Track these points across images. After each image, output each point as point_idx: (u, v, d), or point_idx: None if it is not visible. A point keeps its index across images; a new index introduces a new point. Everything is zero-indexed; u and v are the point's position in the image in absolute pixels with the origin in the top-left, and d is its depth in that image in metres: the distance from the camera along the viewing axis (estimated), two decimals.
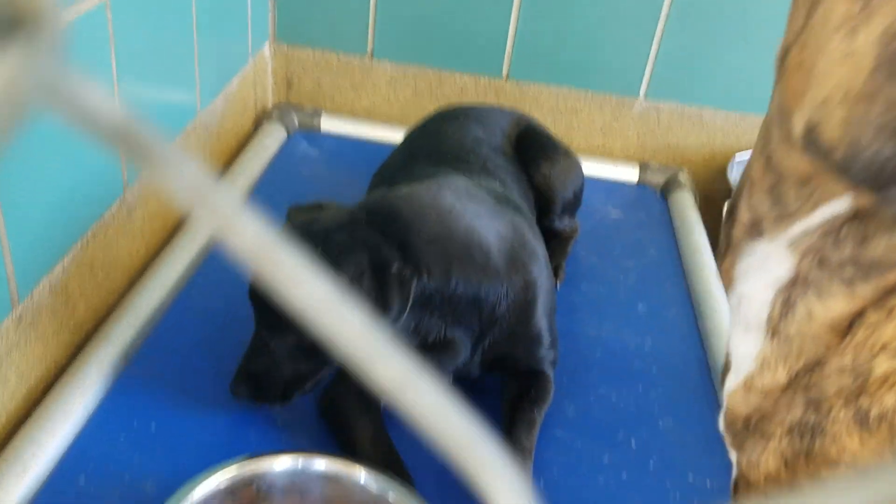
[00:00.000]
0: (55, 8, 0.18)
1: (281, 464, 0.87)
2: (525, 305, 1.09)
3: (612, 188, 1.74)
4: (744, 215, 0.57)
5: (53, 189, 1.01)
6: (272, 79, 1.90)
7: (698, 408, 1.18)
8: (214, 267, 1.33)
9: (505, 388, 1.13)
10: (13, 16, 0.18)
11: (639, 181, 1.78)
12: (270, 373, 1.01)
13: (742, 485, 0.63)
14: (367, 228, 0.99)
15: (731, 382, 0.61)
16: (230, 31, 1.60)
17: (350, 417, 1.04)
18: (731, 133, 1.84)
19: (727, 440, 0.65)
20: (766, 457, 0.59)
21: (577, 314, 1.35)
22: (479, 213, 1.08)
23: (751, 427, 0.60)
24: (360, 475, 0.88)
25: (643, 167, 1.79)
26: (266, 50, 1.85)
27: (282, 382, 1.01)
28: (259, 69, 1.81)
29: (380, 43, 1.83)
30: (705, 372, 1.24)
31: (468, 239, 1.03)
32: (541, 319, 1.11)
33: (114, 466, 0.95)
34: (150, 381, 1.08)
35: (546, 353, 1.12)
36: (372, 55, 1.85)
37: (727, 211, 0.63)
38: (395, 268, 0.94)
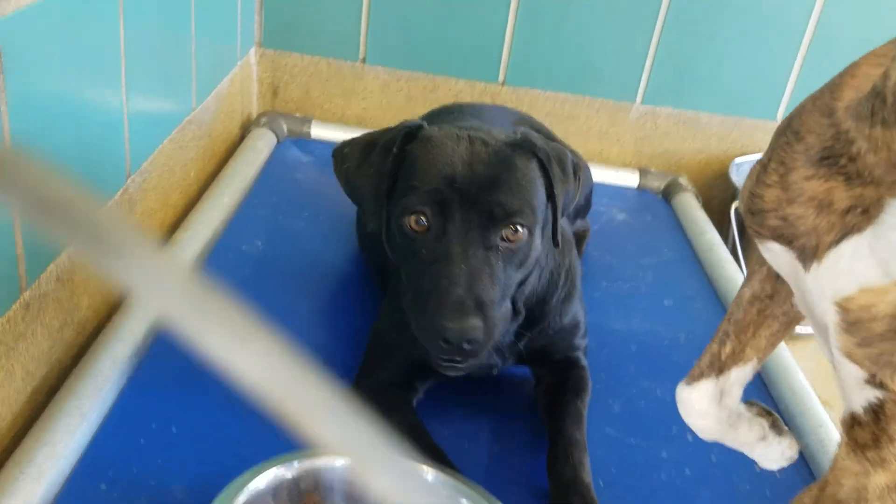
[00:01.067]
0: None
1: (341, 459, 0.77)
2: (569, 290, 1.03)
3: (613, 192, 1.71)
4: None
5: (62, 165, 0.91)
6: (257, 86, 1.82)
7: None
8: (221, 263, 1.23)
9: (540, 381, 1.06)
10: None
11: (639, 186, 1.75)
12: (500, 302, 0.84)
13: (892, 412, 0.54)
14: None
15: (872, 276, 0.52)
16: (221, 33, 1.53)
17: (380, 415, 0.95)
18: (727, 138, 1.83)
19: (841, 345, 0.55)
20: None
21: (603, 310, 1.29)
22: None
23: None
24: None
25: (643, 172, 1.76)
26: (251, 56, 1.77)
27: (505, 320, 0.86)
28: (245, 75, 1.72)
29: (372, 48, 1.77)
30: None
31: None
32: (577, 305, 1.05)
33: (137, 470, 0.84)
34: (166, 380, 0.97)
35: (580, 341, 1.07)
36: (364, 61, 1.79)
37: None
38: None
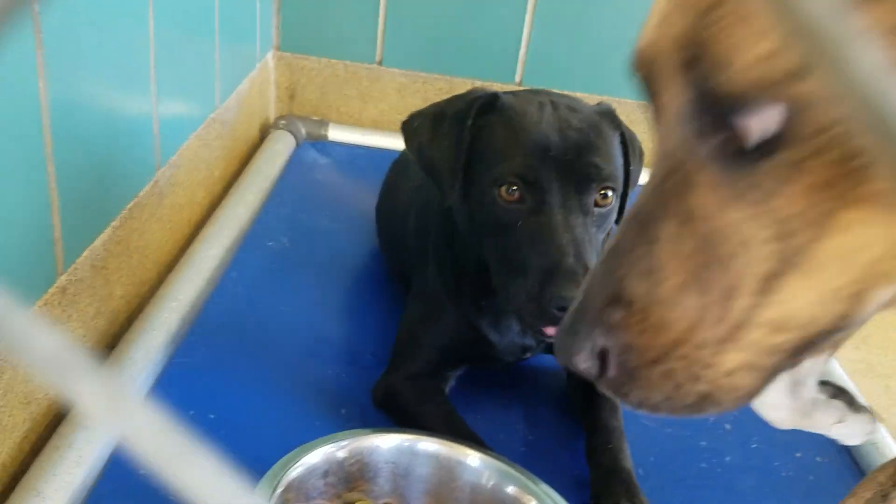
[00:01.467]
0: None
1: (387, 441, 0.76)
2: None
3: (635, 193, 1.70)
4: None
5: (99, 155, 0.91)
6: (275, 90, 1.82)
7: None
8: (249, 258, 1.22)
9: (570, 372, 1.05)
10: None
11: None
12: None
13: None
14: None
15: None
16: (241, 36, 1.53)
17: (413, 404, 0.94)
18: None
19: None
20: None
21: None
22: None
23: None
24: (470, 456, 0.78)
25: None
26: (269, 59, 1.77)
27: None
28: (263, 79, 1.73)
29: (389, 51, 1.78)
30: None
31: None
32: None
33: None
34: (201, 369, 0.96)
35: None
36: (381, 63, 1.79)
37: None
38: None
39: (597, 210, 0.84)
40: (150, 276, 1.11)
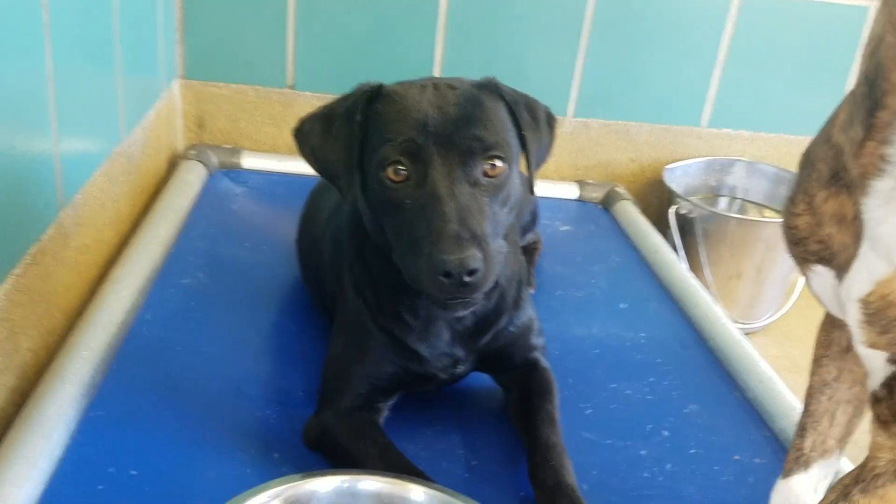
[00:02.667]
0: None
1: (325, 485, 0.73)
2: (520, 290, 1.01)
3: (555, 205, 1.72)
4: None
5: None
6: (182, 119, 1.76)
7: (718, 390, 1.13)
8: (163, 297, 1.16)
9: (508, 390, 1.04)
10: None
11: (579, 198, 1.77)
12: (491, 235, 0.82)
13: None
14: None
15: (882, 269, 0.56)
16: (144, 66, 1.47)
17: (347, 442, 0.90)
18: (658, 145, 1.87)
19: (864, 337, 0.58)
20: None
21: (563, 318, 1.28)
22: None
23: None
24: (413, 491, 0.76)
25: (581, 184, 1.78)
26: (175, 88, 1.71)
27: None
28: (169, 108, 1.66)
29: (301, 74, 1.74)
30: (710, 356, 1.20)
31: None
32: (529, 305, 1.04)
33: None
34: (119, 421, 0.90)
35: (537, 340, 1.04)
36: (293, 87, 1.75)
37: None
38: None
39: (487, 180, 0.84)
40: (59, 325, 1.04)
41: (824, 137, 0.63)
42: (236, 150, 1.70)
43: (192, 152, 1.65)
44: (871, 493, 0.61)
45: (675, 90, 1.83)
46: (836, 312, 0.68)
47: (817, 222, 0.62)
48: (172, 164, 1.64)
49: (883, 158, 0.52)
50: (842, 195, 0.59)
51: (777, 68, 1.82)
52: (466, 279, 0.77)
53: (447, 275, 0.77)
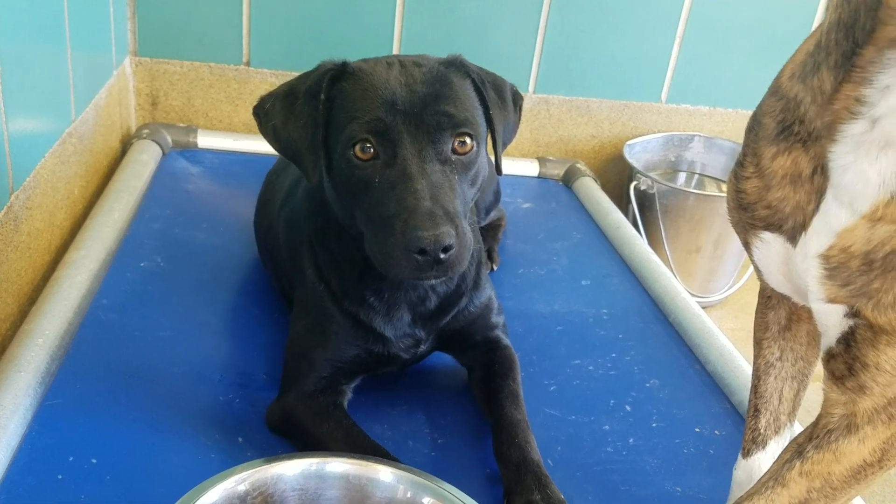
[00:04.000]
0: None
1: (291, 468, 0.72)
2: (479, 270, 1.01)
3: (515, 182, 1.71)
4: None
5: None
6: (134, 98, 1.72)
7: (679, 364, 1.14)
8: (120, 282, 1.14)
9: (471, 370, 1.04)
10: None
11: (539, 174, 1.77)
12: (458, 210, 0.81)
13: (863, 336, 0.57)
14: None
15: (844, 219, 0.56)
16: (95, 43, 1.42)
17: (311, 425, 0.90)
18: (618, 121, 1.87)
19: (824, 293, 0.59)
20: None
21: (525, 295, 1.28)
22: None
23: (877, 264, 0.55)
24: (381, 472, 0.75)
25: (542, 161, 1.78)
26: (127, 66, 1.66)
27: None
28: (121, 86, 1.62)
29: (256, 51, 1.71)
30: (670, 331, 1.22)
31: None
32: (487, 284, 1.04)
33: None
34: (77, 409, 0.88)
35: (497, 318, 1.05)
36: (248, 64, 1.72)
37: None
38: None
39: (456, 157, 0.84)
40: (12, 312, 1.01)
41: (771, 91, 0.63)
42: (191, 129, 1.67)
43: (146, 132, 1.61)
44: (824, 448, 0.62)
45: (635, 66, 1.83)
46: (777, 283, 0.68)
47: (766, 185, 0.62)
48: (126, 145, 1.60)
49: (858, 101, 0.53)
50: (795, 151, 0.59)
51: (735, 44, 1.84)
52: (441, 256, 0.77)
53: (422, 252, 0.76)
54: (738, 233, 0.69)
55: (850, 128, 0.54)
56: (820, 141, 0.57)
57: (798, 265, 0.61)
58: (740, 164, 0.66)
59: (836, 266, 0.57)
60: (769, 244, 0.64)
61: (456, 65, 0.88)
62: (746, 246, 0.68)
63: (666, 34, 1.81)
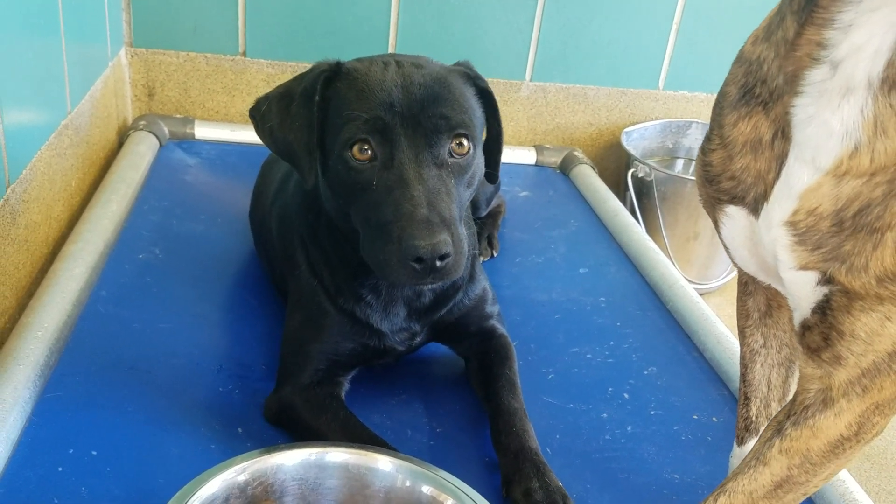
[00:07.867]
0: None
1: (291, 458, 0.73)
2: (473, 262, 1.01)
3: (513, 171, 1.71)
4: None
5: None
6: (130, 89, 1.71)
7: (676, 351, 1.15)
8: (119, 274, 1.14)
9: (467, 360, 1.04)
10: None
11: (536, 163, 1.77)
12: (455, 217, 0.81)
13: (838, 304, 0.57)
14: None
15: (806, 178, 0.56)
16: (90, 34, 1.42)
17: (309, 417, 0.90)
18: (615, 109, 1.87)
19: (796, 260, 0.58)
20: (882, 253, 0.54)
21: (523, 284, 1.29)
22: None
23: (847, 223, 0.55)
24: (380, 461, 0.76)
25: (539, 149, 1.78)
26: (122, 57, 1.66)
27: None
28: (117, 78, 1.62)
29: (252, 41, 1.70)
30: (668, 318, 1.22)
31: None
32: (481, 274, 1.04)
33: (59, 501, 0.75)
34: (76, 402, 0.89)
35: (492, 307, 1.05)
36: (245, 54, 1.71)
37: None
38: None
39: (453, 160, 0.84)
40: (10, 306, 1.01)
41: (735, 60, 0.63)
42: (188, 120, 1.67)
43: (143, 123, 1.61)
44: (801, 424, 0.62)
45: (632, 53, 1.83)
46: (742, 259, 0.68)
47: (728, 155, 0.62)
48: (122, 136, 1.60)
49: (820, 44, 0.52)
50: (756, 115, 0.59)
51: (731, 30, 1.83)
52: (438, 264, 0.77)
53: (419, 260, 0.77)
54: (707, 210, 0.68)
55: (812, 74, 0.53)
56: (781, 99, 0.56)
57: (763, 237, 0.60)
58: (707, 138, 0.65)
59: (805, 231, 0.56)
60: (734, 219, 0.64)
61: (461, 71, 0.88)
62: (715, 224, 0.68)
63: (663, 21, 1.81)
